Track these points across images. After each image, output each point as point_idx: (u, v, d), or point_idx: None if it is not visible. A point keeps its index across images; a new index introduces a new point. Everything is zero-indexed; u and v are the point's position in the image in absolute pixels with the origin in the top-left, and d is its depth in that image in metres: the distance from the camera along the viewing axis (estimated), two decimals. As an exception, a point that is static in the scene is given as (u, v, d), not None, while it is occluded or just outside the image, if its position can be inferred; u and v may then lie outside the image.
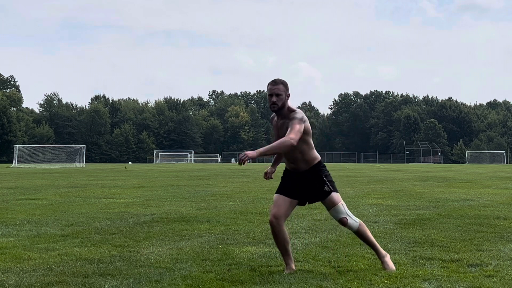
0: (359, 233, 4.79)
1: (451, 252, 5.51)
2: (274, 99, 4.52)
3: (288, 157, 4.70)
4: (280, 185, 4.80)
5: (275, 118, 4.77)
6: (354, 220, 4.76)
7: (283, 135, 4.51)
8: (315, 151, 4.80)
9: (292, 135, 4.36)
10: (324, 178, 4.71)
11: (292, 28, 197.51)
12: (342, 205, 4.76)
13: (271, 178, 5.03)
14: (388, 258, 4.77)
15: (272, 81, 4.60)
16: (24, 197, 12.64)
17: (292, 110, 4.59)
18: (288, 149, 4.38)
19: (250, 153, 4.16)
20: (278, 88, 4.54)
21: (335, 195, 4.73)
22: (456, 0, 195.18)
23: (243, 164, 4.17)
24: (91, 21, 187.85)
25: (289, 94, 4.61)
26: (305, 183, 4.70)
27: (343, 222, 4.73)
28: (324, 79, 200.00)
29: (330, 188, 4.71)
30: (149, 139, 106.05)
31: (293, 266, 4.74)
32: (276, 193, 4.80)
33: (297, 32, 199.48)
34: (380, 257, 4.79)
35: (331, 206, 4.72)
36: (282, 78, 4.63)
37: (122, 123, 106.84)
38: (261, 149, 4.29)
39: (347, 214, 4.74)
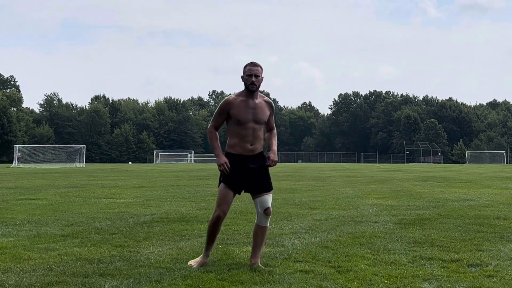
0: (263, 230, 4.91)
1: (451, 252, 5.52)
2: (253, 79, 4.80)
3: (251, 138, 4.82)
4: (229, 179, 4.85)
5: (239, 99, 4.85)
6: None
7: (260, 115, 4.84)
8: None
9: (275, 129, 5.11)
10: (266, 155, 5.00)
11: (292, 28, 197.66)
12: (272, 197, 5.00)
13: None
14: (258, 262, 4.84)
15: (251, 62, 4.88)
16: (24, 197, 12.65)
17: (262, 96, 4.97)
18: None
19: (275, 156, 4.89)
20: (257, 69, 4.84)
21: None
22: (456, 0, 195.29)
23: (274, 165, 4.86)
24: (91, 21, 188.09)
25: (263, 77, 4.92)
26: (257, 167, 4.85)
27: (270, 211, 4.89)
28: (324, 79, 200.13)
29: (269, 164, 4.97)
30: (149, 139, 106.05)
31: (209, 253, 5.00)
32: (225, 186, 4.87)
33: (297, 32, 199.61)
34: (252, 259, 4.87)
35: (269, 190, 4.90)
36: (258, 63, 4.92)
37: (122, 123, 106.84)
38: (275, 149, 4.94)
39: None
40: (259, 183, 4.85)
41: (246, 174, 4.82)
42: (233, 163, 4.83)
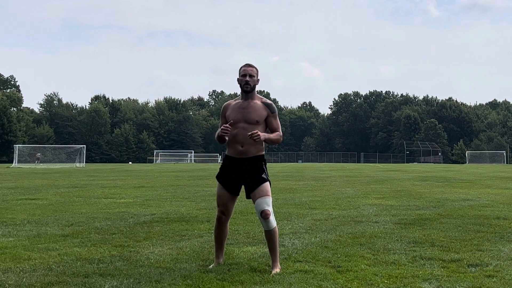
0: (270, 233, 4.72)
1: (451, 252, 5.51)
2: (248, 79, 4.75)
3: (241, 138, 4.70)
4: (223, 178, 4.85)
5: (235, 101, 4.86)
6: (274, 219, 4.74)
7: (251, 114, 4.72)
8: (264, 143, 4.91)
9: (281, 132, 4.87)
10: (264, 167, 4.82)
11: (292, 28, 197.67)
12: (270, 199, 4.75)
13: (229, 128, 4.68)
14: (276, 270, 4.62)
15: (246, 64, 4.84)
16: (24, 197, 12.65)
17: (261, 97, 4.86)
18: (277, 143, 4.90)
19: (262, 135, 4.57)
20: (252, 69, 4.80)
21: (269, 186, 4.78)
22: (457, 0, 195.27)
23: (256, 140, 4.51)
24: (91, 21, 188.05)
25: (258, 79, 4.84)
26: (245, 171, 4.74)
27: (266, 213, 4.63)
28: (324, 79, 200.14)
29: (267, 177, 4.80)
30: (149, 139, 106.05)
31: (222, 260, 4.91)
32: (220, 185, 4.87)
33: (297, 32, 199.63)
34: (272, 264, 4.73)
35: (262, 195, 4.68)
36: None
37: (122, 123, 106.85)
38: (266, 136, 4.66)
39: (272, 210, 4.72)
40: (250, 186, 4.75)
41: (239, 177, 4.76)
42: (228, 164, 4.83)
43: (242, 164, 4.75)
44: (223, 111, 4.91)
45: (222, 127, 4.64)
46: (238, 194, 4.90)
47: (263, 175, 4.77)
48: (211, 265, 4.86)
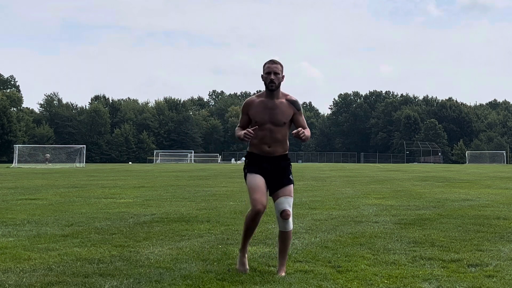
0: (285, 235, 4.61)
1: (451, 252, 5.51)
2: (272, 76, 4.58)
3: (268, 139, 4.62)
4: (253, 167, 4.65)
5: (259, 99, 4.69)
6: (292, 222, 4.66)
7: (280, 115, 4.60)
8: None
9: (308, 129, 4.69)
10: (290, 168, 4.77)
11: (292, 28, 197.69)
12: (292, 201, 4.68)
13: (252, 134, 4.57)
14: (282, 274, 4.54)
15: (270, 60, 4.66)
16: (24, 197, 12.64)
17: (286, 94, 4.70)
18: (306, 141, 4.71)
19: (307, 132, 4.54)
20: (276, 66, 4.61)
21: (292, 188, 4.72)
22: (457, 0, 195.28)
23: (303, 138, 4.46)
24: (91, 21, 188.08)
25: (283, 76, 4.68)
26: (274, 170, 4.64)
27: (286, 213, 4.53)
28: (324, 79, 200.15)
29: (292, 179, 4.75)
30: (149, 139, 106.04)
31: (246, 251, 4.79)
32: (252, 174, 4.63)
33: (297, 32, 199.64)
34: (279, 267, 4.63)
35: (286, 194, 4.59)
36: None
37: (122, 123, 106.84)
38: (308, 133, 4.60)
39: (292, 211, 4.63)
40: (275, 184, 4.63)
41: (267, 172, 4.64)
42: (255, 159, 4.69)
43: (269, 161, 4.65)
44: (245, 109, 4.73)
45: (246, 131, 4.48)
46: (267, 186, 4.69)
47: (291, 176, 4.70)
48: (238, 258, 4.73)
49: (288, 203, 4.58)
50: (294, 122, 4.69)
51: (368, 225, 7.59)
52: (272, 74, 4.57)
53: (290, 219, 4.58)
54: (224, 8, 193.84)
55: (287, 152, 4.75)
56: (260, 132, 4.61)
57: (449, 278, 4.40)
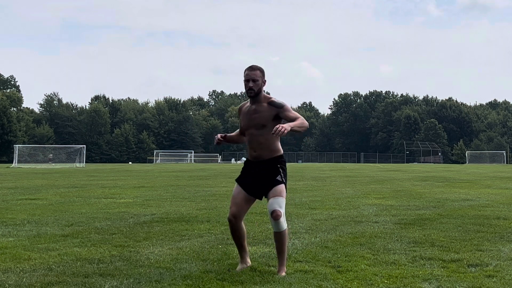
0: (278, 235, 4.60)
1: (451, 252, 5.51)
2: (251, 84, 4.63)
3: (254, 144, 4.70)
4: (240, 178, 4.81)
5: (246, 105, 4.83)
6: (284, 221, 4.62)
7: (258, 120, 4.63)
8: (279, 143, 4.79)
9: (301, 117, 4.51)
10: (280, 170, 4.71)
11: (292, 28, 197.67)
12: (283, 201, 4.63)
13: (222, 140, 4.88)
14: (282, 274, 4.54)
15: (249, 67, 4.69)
16: (24, 197, 12.64)
17: (268, 98, 4.69)
18: (305, 129, 4.50)
19: (286, 125, 4.30)
20: (255, 73, 4.64)
21: (283, 188, 4.68)
22: (457, 0, 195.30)
23: (282, 134, 4.24)
24: (91, 21, 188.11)
25: (265, 81, 4.71)
26: (262, 174, 4.68)
27: (276, 214, 4.51)
28: (324, 79, 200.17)
29: (282, 179, 4.70)
30: (149, 139, 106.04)
31: (248, 260, 4.82)
32: (236, 184, 4.81)
33: (297, 32, 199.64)
34: (279, 267, 4.64)
35: (275, 195, 4.58)
36: (259, 65, 4.71)
37: (122, 123, 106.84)
38: (292, 124, 4.36)
39: (283, 211, 4.59)
40: (264, 187, 4.68)
41: (257, 179, 4.71)
42: (246, 166, 4.84)
43: (257, 167, 4.72)
44: (238, 114, 4.94)
45: (215, 138, 4.82)
46: (257, 197, 4.78)
47: (278, 177, 4.68)
48: (238, 267, 4.74)
49: (277, 203, 4.56)
50: (285, 120, 4.67)
51: (368, 225, 7.59)
52: (250, 81, 4.62)
53: (281, 219, 4.54)
54: (224, 8, 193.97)
55: (277, 154, 4.72)
56: (246, 138, 4.76)
57: (449, 278, 4.40)
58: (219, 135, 4.93)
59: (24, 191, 14.59)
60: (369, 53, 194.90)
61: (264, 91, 4.79)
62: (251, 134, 4.70)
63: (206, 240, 6.31)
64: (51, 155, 61.87)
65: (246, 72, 4.67)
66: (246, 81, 4.65)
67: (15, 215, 8.89)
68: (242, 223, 4.78)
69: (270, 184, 4.66)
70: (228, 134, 5.00)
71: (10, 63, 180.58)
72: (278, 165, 4.71)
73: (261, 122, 4.62)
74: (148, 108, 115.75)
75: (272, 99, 4.70)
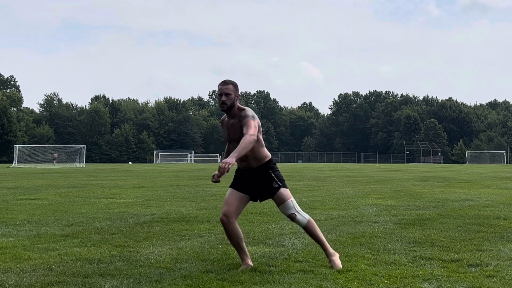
0: (307, 229, 4.85)
1: (451, 252, 5.51)
2: (223, 98, 4.66)
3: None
4: (233, 180, 4.89)
5: (226, 118, 4.87)
6: (303, 217, 4.78)
7: (234, 134, 4.67)
8: (265, 149, 4.83)
9: (251, 131, 4.44)
10: (273, 175, 4.75)
11: (292, 28, 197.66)
12: (291, 201, 4.76)
13: (219, 181, 4.81)
14: (336, 257, 4.82)
15: (222, 81, 4.75)
16: (24, 197, 12.64)
17: (242, 109, 4.69)
18: (252, 145, 4.39)
19: (229, 160, 4.21)
20: (227, 87, 4.68)
21: (284, 191, 4.75)
22: (457, 0, 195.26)
23: (227, 172, 4.24)
24: (91, 21, 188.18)
25: (238, 95, 4.76)
26: (255, 181, 4.76)
27: (291, 217, 4.75)
28: (324, 79, 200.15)
29: (278, 184, 4.75)
30: (149, 139, 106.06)
31: (249, 261, 4.82)
32: (230, 187, 4.89)
33: (297, 32, 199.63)
34: (328, 255, 4.84)
35: (281, 202, 4.74)
36: (232, 80, 4.78)
37: (122, 123, 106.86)
38: (235, 154, 4.29)
39: (296, 210, 4.75)
40: (264, 196, 4.82)
41: (251, 183, 4.78)
42: (238, 172, 4.90)
43: (249, 173, 4.79)
44: (221, 125, 4.97)
45: (215, 179, 4.75)
46: (251, 197, 4.84)
47: (274, 185, 4.73)
48: (239, 268, 4.75)
49: (287, 208, 4.74)
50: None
51: (368, 225, 7.59)
52: (223, 95, 4.66)
53: (299, 217, 4.75)
54: (224, 8, 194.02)
55: (265, 160, 4.76)
56: (231, 148, 4.84)
57: (449, 278, 4.40)
58: (215, 176, 4.74)
59: (24, 191, 14.59)
60: (369, 53, 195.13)
61: (238, 104, 4.73)
62: (233, 146, 4.74)
63: (206, 240, 6.31)
64: (56, 154, 62.11)
65: (219, 86, 4.72)
66: (219, 95, 4.69)
67: (15, 215, 8.89)
68: (236, 224, 4.79)
69: (267, 193, 4.76)
70: (224, 160, 4.47)
71: (10, 63, 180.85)
72: (270, 171, 4.76)
73: (236, 136, 4.63)
74: (148, 108, 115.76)
75: (243, 111, 4.65)
